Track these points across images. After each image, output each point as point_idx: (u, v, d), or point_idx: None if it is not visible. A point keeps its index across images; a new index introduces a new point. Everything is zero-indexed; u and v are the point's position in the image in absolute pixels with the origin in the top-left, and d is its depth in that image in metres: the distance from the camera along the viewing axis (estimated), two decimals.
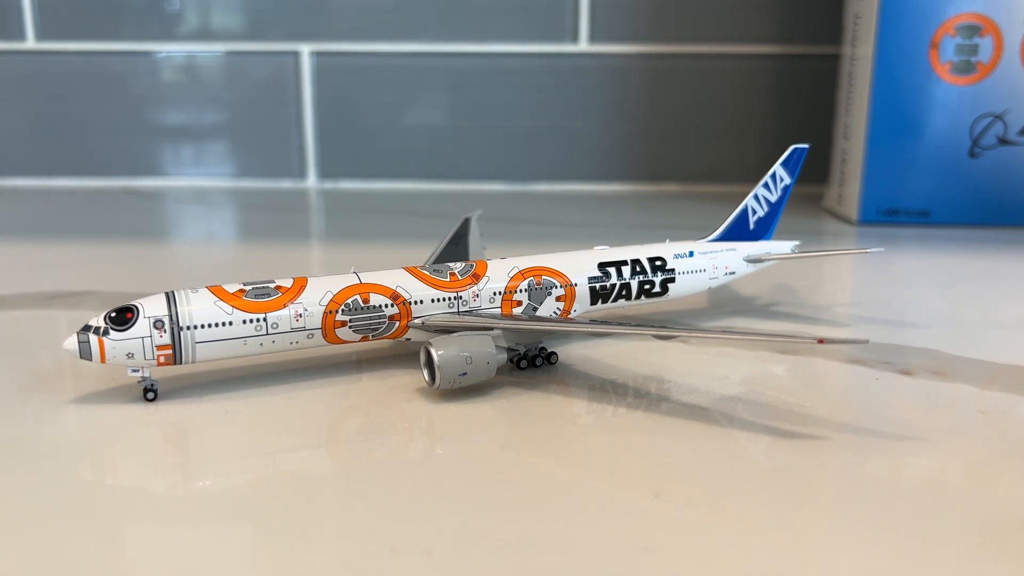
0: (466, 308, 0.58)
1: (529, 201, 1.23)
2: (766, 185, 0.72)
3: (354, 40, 1.27)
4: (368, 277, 0.56)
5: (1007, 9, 0.97)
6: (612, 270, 0.63)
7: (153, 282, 0.73)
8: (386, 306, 0.55)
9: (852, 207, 1.06)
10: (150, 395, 0.52)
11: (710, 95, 1.28)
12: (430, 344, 0.51)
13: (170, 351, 0.51)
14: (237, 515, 0.40)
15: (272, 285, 0.54)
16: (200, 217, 1.16)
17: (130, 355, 0.50)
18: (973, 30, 0.97)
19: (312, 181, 1.32)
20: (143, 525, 0.39)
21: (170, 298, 0.51)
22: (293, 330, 0.53)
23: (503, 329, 0.55)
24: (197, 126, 1.31)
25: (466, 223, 0.78)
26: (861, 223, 1.05)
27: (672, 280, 0.66)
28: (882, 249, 0.77)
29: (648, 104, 1.28)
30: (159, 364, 0.51)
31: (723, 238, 0.71)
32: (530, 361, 0.58)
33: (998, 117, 1.00)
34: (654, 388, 0.55)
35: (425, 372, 0.53)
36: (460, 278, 0.58)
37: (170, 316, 0.50)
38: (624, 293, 0.64)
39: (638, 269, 0.64)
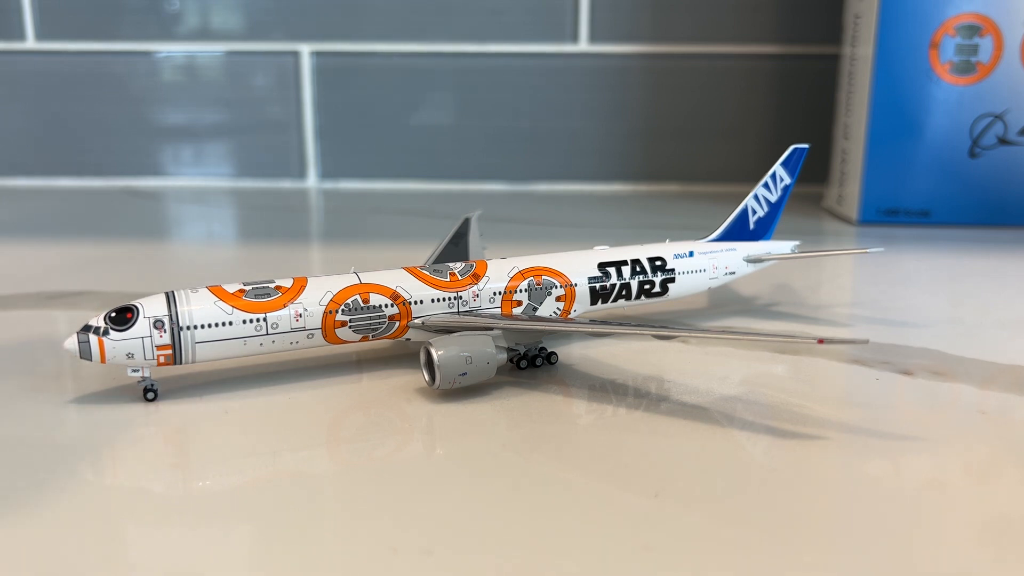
0: (466, 308, 0.58)
1: (529, 201, 1.23)
2: (766, 185, 0.72)
3: (354, 40, 1.27)
4: (368, 277, 0.56)
5: (1007, 9, 0.97)
6: (612, 270, 0.63)
7: (153, 282, 0.73)
8: (386, 306, 0.55)
9: (852, 207, 1.06)
10: (150, 395, 0.52)
11: (710, 95, 1.28)
12: (430, 344, 0.51)
13: (170, 351, 0.51)
14: (237, 515, 0.40)
15: (272, 285, 0.54)
16: (200, 217, 1.16)
17: (130, 355, 0.50)
18: (973, 30, 0.97)
19: (312, 181, 1.32)
20: (143, 525, 0.39)
21: (170, 298, 0.51)
22: (293, 330, 0.53)
23: (503, 329, 0.55)
24: (197, 126, 1.31)
25: (466, 223, 0.78)
26: (861, 223, 1.05)
27: (672, 280, 0.66)
28: (882, 249, 0.77)
29: (648, 104, 1.28)
30: (159, 364, 0.51)
31: (723, 238, 0.71)
32: (530, 361, 0.58)
33: (998, 117, 1.00)
34: (654, 388, 0.55)
35: (425, 372, 0.53)
36: (460, 278, 0.58)
37: (170, 316, 0.50)
38: (624, 293, 0.64)
39: (638, 269, 0.64)
